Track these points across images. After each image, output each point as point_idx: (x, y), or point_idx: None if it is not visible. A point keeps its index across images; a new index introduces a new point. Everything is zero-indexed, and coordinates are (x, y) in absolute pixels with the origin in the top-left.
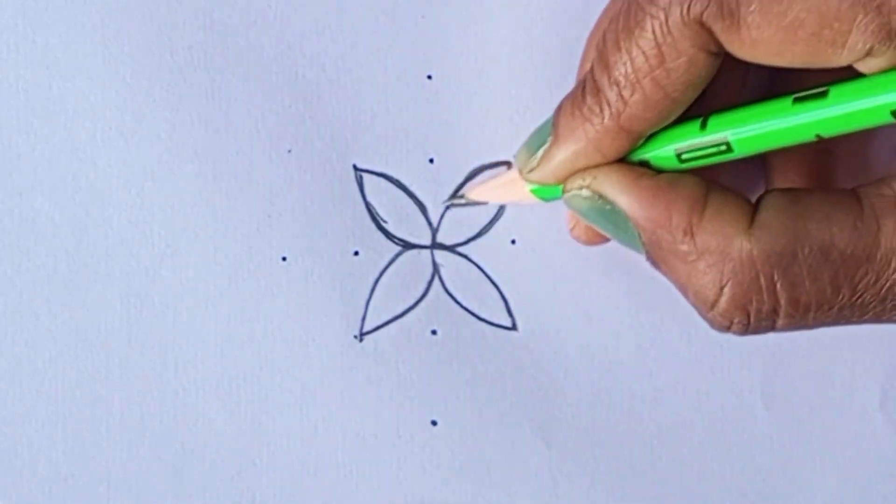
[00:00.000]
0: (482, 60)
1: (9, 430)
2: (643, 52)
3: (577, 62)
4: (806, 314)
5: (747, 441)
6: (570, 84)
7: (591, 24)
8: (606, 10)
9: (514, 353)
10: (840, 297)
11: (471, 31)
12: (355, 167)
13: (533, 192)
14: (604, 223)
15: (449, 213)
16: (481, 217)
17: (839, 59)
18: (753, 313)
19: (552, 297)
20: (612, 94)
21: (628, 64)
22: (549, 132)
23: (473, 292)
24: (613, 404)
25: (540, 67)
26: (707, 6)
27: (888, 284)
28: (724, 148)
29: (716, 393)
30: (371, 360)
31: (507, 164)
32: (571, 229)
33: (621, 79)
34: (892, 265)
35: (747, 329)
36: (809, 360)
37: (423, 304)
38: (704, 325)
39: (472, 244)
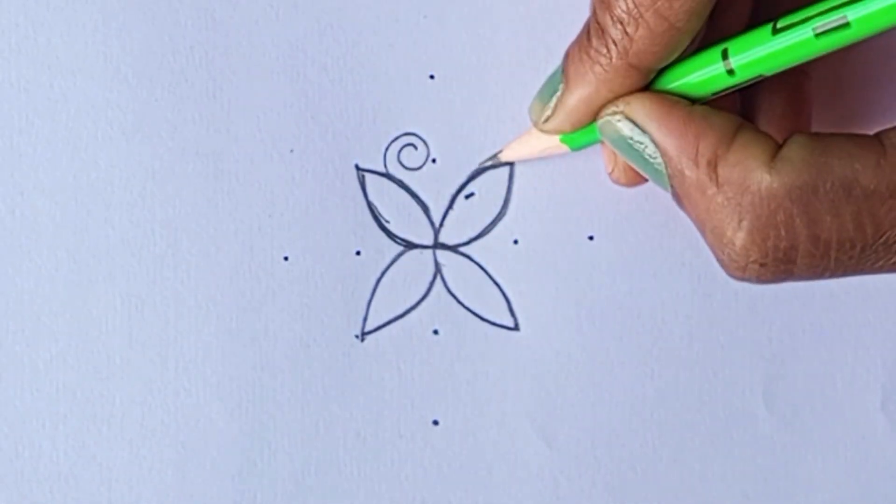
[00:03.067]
0: (484, 60)
1: (9, 429)
2: None
3: None
4: (826, 253)
5: (749, 442)
6: None
7: None
8: None
9: (516, 353)
10: (863, 234)
11: (473, 30)
12: (357, 167)
13: (563, 140)
14: (633, 153)
15: (451, 212)
16: (484, 217)
17: None
18: (771, 250)
19: (554, 297)
20: (616, 32)
21: (629, 0)
22: (560, 80)
23: (475, 292)
24: (615, 405)
25: (542, 67)
26: None
27: None
28: (841, 21)
29: (717, 394)
30: (372, 359)
31: (510, 163)
32: (610, 172)
33: (624, 15)
34: None
35: (765, 272)
36: (811, 360)
37: (424, 303)
38: (706, 326)
39: (474, 244)
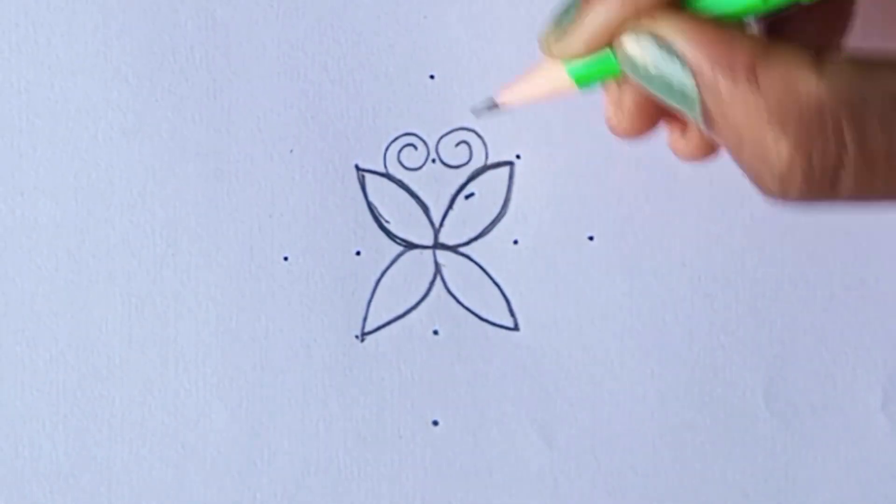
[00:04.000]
0: (485, 60)
1: (10, 430)
2: None
3: None
4: (873, 168)
5: (749, 442)
6: None
7: None
8: None
9: (516, 353)
10: None
11: (473, 30)
12: (357, 167)
13: (571, 75)
14: (658, 77)
15: (451, 212)
16: (484, 217)
17: None
18: (818, 162)
19: (554, 297)
20: None
21: None
22: (576, 2)
23: (475, 292)
24: (615, 405)
25: None
26: None
27: None
28: None
29: (718, 393)
30: (372, 360)
31: (510, 163)
32: (610, 118)
33: None
34: None
35: (808, 188)
36: (812, 360)
37: (424, 304)
38: (707, 326)
39: (474, 244)
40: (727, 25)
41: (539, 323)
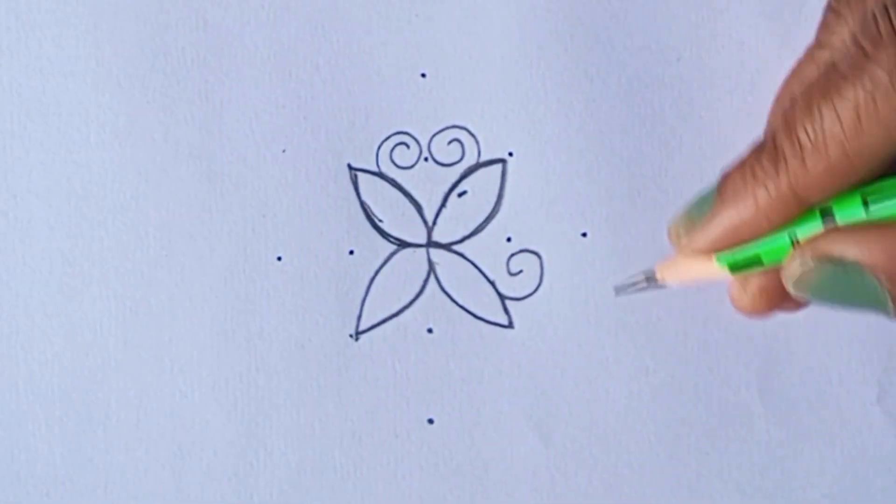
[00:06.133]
0: (476, 58)
1: (6, 432)
2: (839, 119)
3: (570, 59)
4: None
5: (745, 437)
6: (564, 81)
7: (583, 21)
8: (794, 73)
9: (511, 350)
10: None
11: (464, 29)
12: (350, 166)
13: (723, 264)
14: (839, 291)
15: (444, 211)
16: (477, 215)
17: None
18: None
19: (548, 294)
20: (793, 159)
21: (819, 130)
22: (712, 200)
23: (469, 290)
24: (610, 402)
25: (533, 65)
26: None
27: None
28: None
29: (713, 389)
30: (367, 358)
31: (502, 161)
32: (733, 299)
33: (808, 144)
34: None
35: None
36: (807, 355)
37: (418, 302)
38: (701, 321)
39: (467, 242)
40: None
41: (533, 320)
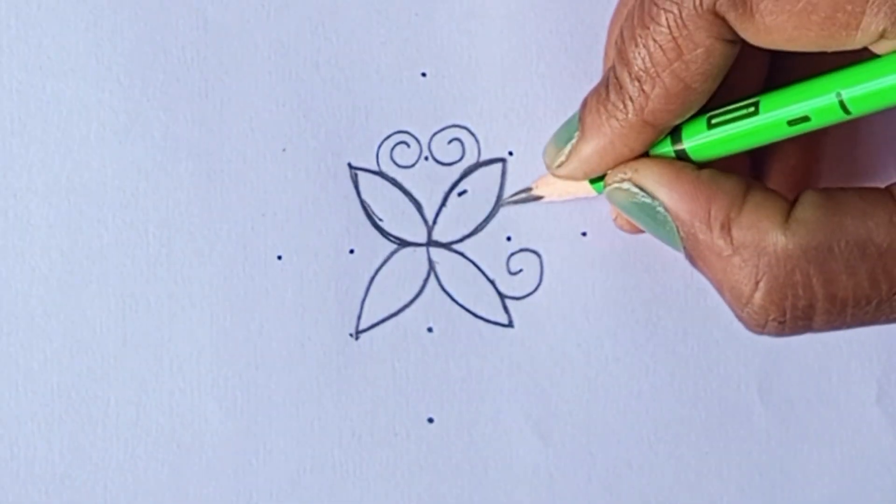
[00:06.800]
0: (476, 57)
1: (5, 431)
2: (660, 46)
3: (570, 58)
4: (843, 310)
5: (744, 437)
6: (564, 80)
7: (583, 20)
8: (621, 4)
9: (511, 350)
10: (878, 291)
11: (465, 27)
12: (350, 165)
13: (592, 185)
14: (643, 218)
15: (444, 210)
16: (477, 214)
17: (853, 42)
18: (789, 309)
19: (548, 294)
20: (633, 90)
21: (647, 58)
22: (576, 127)
23: (469, 289)
24: (610, 401)
25: (534, 64)
26: None
27: None
28: (752, 109)
29: (712, 389)
30: (367, 358)
31: (502, 160)
32: (615, 219)
33: (642, 73)
34: None
35: (783, 328)
36: (806, 355)
37: (418, 301)
38: (701, 321)
39: (467, 241)
40: (706, 172)
41: (533, 319)
